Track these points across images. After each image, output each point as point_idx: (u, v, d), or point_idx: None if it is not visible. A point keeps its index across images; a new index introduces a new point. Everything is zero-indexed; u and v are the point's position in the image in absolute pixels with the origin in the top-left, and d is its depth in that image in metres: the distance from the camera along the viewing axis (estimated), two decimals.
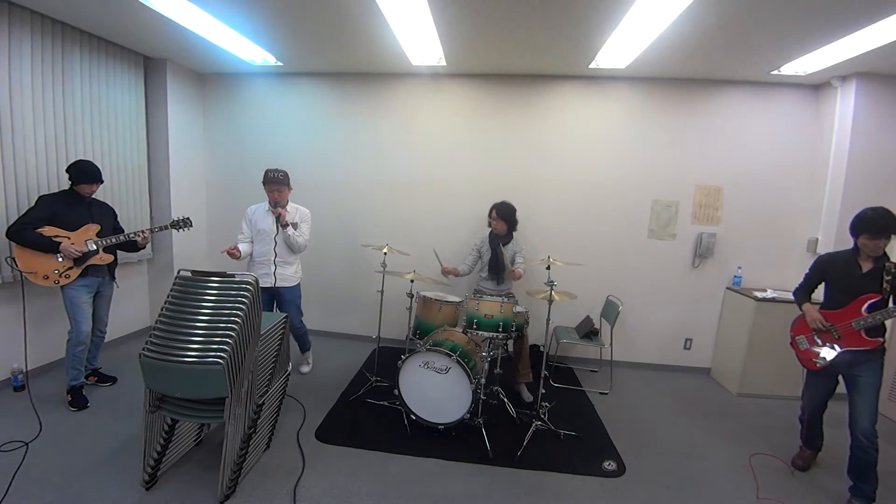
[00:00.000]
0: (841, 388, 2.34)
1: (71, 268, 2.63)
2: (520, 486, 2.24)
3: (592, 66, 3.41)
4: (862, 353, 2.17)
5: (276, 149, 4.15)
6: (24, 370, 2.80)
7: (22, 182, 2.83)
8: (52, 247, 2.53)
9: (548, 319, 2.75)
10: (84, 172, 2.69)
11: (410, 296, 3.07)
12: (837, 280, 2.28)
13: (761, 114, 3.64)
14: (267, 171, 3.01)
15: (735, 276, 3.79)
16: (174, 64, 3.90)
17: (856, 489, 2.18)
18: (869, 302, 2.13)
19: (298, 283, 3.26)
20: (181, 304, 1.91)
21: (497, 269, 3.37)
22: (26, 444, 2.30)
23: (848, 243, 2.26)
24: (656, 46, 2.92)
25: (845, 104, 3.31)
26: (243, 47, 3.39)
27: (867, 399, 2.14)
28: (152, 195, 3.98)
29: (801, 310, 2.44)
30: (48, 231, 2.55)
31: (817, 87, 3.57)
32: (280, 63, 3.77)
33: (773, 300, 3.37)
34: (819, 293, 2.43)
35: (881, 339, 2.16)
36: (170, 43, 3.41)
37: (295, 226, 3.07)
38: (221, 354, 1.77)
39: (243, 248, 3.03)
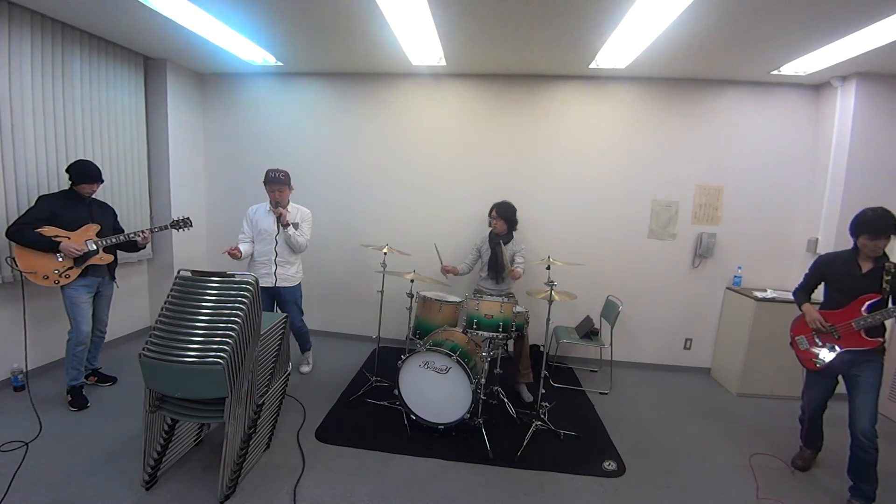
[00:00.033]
0: (841, 388, 2.34)
1: (71, 268, 2.63)
2: (520, 486, 2.24)
3: (592, 66, 3.41)
4: (862, 353, 2.17)
5: (275, 149, 4.15)
6: (24, 370, 2.80)
7: (22, 182, 2.83)
8: (52, 246, 2.53)
9: (548, 319, 2.75)
10: (84, 172, 2.69)
11: (410, 296, 3.07)
12: (837, 280, 2.28)
13: (761, 114, 3.64)
14: (268, 171, 3.02)
15: (735, 276, 3.79)
16: (174, 64, 3.90)
17: (856, 489, 2.18)
18: (869, 302, 2.13)
19: (299, 283, 3.27)
20: (181, 304, 1.91)
21: (496, 268, 3.38)
22: (26, 444, 2.30)
23: (848, 243, 2.26)
24: (656, 46, 2.92)
25: (845, 104, 3.31)
26: (243, 47, 3.39)
27: (867, 399, 2.14)
28: (152, 195, 3.98)
29: (800, 310, 2.44)
30: (48, 231, 2.55)
31: (817, 87, 3.57)
32: (280, 63, 3.77)
33: (773, 300, 3.37)
34: (819, 293, 2.44)
35: (881, 339, 2.16)
36: (170, 43, 3.41)
37: (296, 226, 3.08)
38: (221, 354, 1.77)
39: (244, 248, 3.03)
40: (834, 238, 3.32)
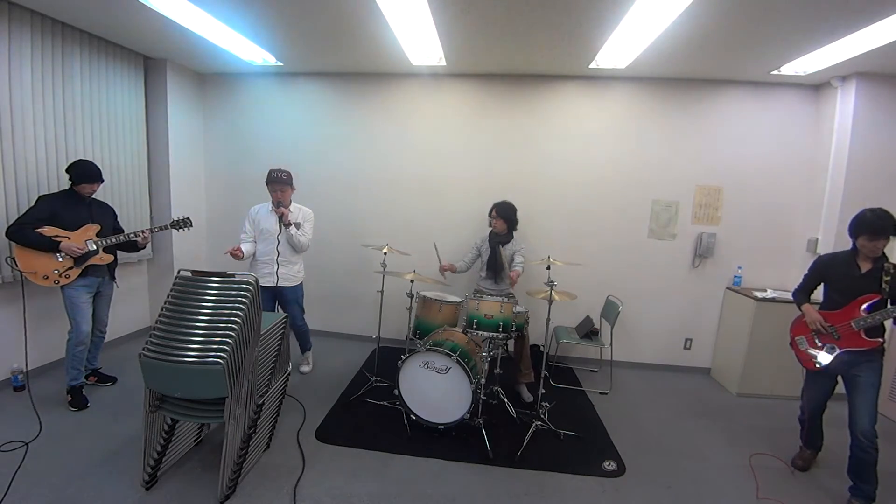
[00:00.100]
0: (840, 388, 2.34)
1: (71, 268, 2.63)
2: (520, 486, 2.24)
3: (592, 66, 3.41)
4: (861, 354, 2.17)
5: (276, 149, 4.15)
6: (24, 370, 2.80)
7: (22, 182, 2.83)
8: (52, 246, 2.53)
9: (548, 319, 2.75)
10: (85, 172, 2.69)
11: (410, 296, 3.07)
12: (836, 281, 2.29)
13: (761, 114, 3.64)
14: (270, 171, 3.03)
15: (735, 276, 3.79)
16: (174, 64, 3.90)
17: (856, 489, 2.18)
18: (868, 302, 2.13)
19: (301, 283, 3.28)
20: (181, 304, 1.91)
21: (495, 267, 3.38)
22: (26, 444, 2.30)
23: (848, 243, 2.26)
24: (656, 46, 2.92)
25: (845, 104, 3.31)
26: (243, 47, 3.39)
27: (867, 399, 2.14)
28: (152, 195, 3.98)
29: (800, 310, 2.44)
30: (48, 231, 2.55)
31: (817, 87, 3.57)
32: (280, 63, 3.77)
33: (773, 300, 3.37)
34: (818, 294, 2.44)
35: (881, 340, 2.16)
36: (170, 43, 3.41)
37: (298, 225, 3.09)
38: (221, 354, 1.77)
39: (246, 247, 3.04)
40: (834, 238, 3.32)
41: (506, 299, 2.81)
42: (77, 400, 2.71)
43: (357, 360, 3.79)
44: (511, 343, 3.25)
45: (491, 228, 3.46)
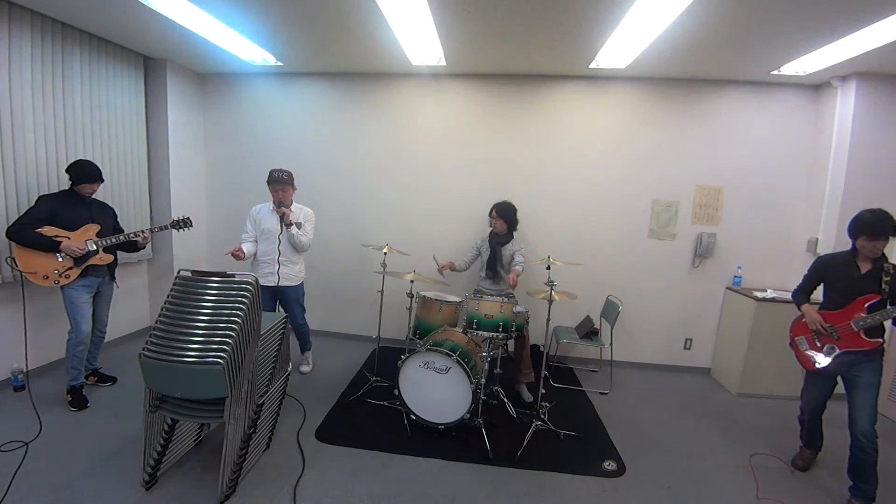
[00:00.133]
0: (840, 388, 2.34)
1: (71, 268, 2.63)
2: (520, 486, 2.24)
3: (592, 66, 3.41)
4: (861, 354, 2.17)
5: (276, 149, 4.15)
6: (24, 370, 2.80)
7: (22, 182, 2.83)
8: (52, 246, 2.53)
9: (548, 319, 2.75)
10: (85, 172, 2.69)
11: (410, 296, 3.07)
12: (836, 281, 2.29)
13: (761, 114, 3.64)
14: (272, 171, 3.04)
15: (735, 276, 3.79)
16: (174, 64, 3.90)
17: (856, 489, 2.18)
18: (868, 303, 2.13)
19: (302, 282, 3.29)
20: (181, 304, 1.91)
21: (494, 267, 3.38)
22: (26, 444, 2.30)
23: (848, 243, 2.26)
24: (656, 46, 2.92)
25: (845, 104, 3.31)
26: (243, 47, 3.39)
27: (867, 399, 2.14)
28: (152, 195, 3.98)
29: (800, 311, 2.44)
30: (48, 231, 2.55)
31: (817, 87, 3.57)
32: (280, 63, 3.77)
33: (773, 300, 3.37)
34: (818, 294, 2.44)
35: (880, 340, 2.16)
36: (170, 43, 3.41)
37: (299, 225, 3.10)
38: (221, 354, 1.77)
39: (247, 248, 3.05)
40: (834, 238, 3.32)
41: (506, 299, 2.81)
42: (77, 400, 2.72)
43: (357, 360, 3.79)
44: (511, 343, 3.25)
45: (491, 228, 3.47)
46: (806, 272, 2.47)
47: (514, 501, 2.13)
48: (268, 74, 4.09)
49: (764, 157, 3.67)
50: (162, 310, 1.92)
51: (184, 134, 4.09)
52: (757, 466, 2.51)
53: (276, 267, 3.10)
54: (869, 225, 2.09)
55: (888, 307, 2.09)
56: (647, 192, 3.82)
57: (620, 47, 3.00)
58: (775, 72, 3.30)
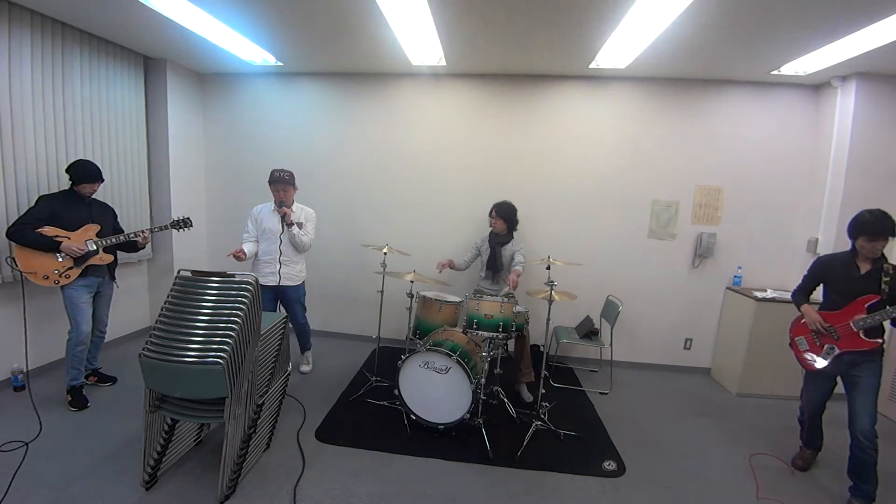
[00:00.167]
0: (840, 388, 2.34)
1: (71, 268, 2.63)
2: (520, 486, 2.24)
3: (592, 66, 3.41)
4: (861, 354, 2.17)
5: (275, 149, 4.15)
6: (25, 370, 2.80)
7: (22, 182, 2.83)
8: (52, 246, 2.53)
9: (548, 319, 2.75)
10: (85, 172, 2.69)
11: (410, 296, 3.07)
12: (836, 282, 2.29)
13: (761, 114, 3.64)
14: (273, 171, 3.05)
15: (735, 276, 3.79)
16: (174, 64, 3.90)
17: (856, 489, 2.18)
18: (868, 303, 2.13)
19: (303, 282, 3.30)
20: (181, 304, 1.91)
21: (494, 267, 3.38)
22: (26, 444, 2.30)
23: (848, 243, 2.26)
24: (656, 46, 2.92)
25: (845, 104, 3.31)
26: (243, 47, 3.39)
27: (867, 399, 2.14)
28: (152, 195, 3.98)
29: (799, 311, 2.44)
30: (48, 231, 2.55)
31: (817, 87, 3.57)
32: (280, 63, 3.77)
33: (773, 300, 3.37)
34: (818, 294, 2.44)
35: (880, 340, 2.16)
36: (170, 43, 3.41)
37: (300, 225, 3.11)
38: (221, 354, 1.77)
39: (248, 248, 3.06)
40: (834, 238, 3.32)
41: (506, 299, 2.81)
42: (77, 400, 2.72)
43: (357, 360, 3.79)
44: (511, 343, 3.25)
45: (491, 228, 3.47)
46: (805, 272, 2.47)
47: (514, 501, 2.13)
48: (268, 74, 4.09)
49: (764, 157, 3.67)
50: (162, 310, 1.92)
51: (184, 134, 4.09)
52: (757, 466, 2.51)
53: (278, 267, 3.11)
54: (868, 225, 2.10)
55: (888, 307, 2.09)
56: (647, 192, 3.82)
57: (620, 47, 3.00)
58: (775, 72, 3.30)
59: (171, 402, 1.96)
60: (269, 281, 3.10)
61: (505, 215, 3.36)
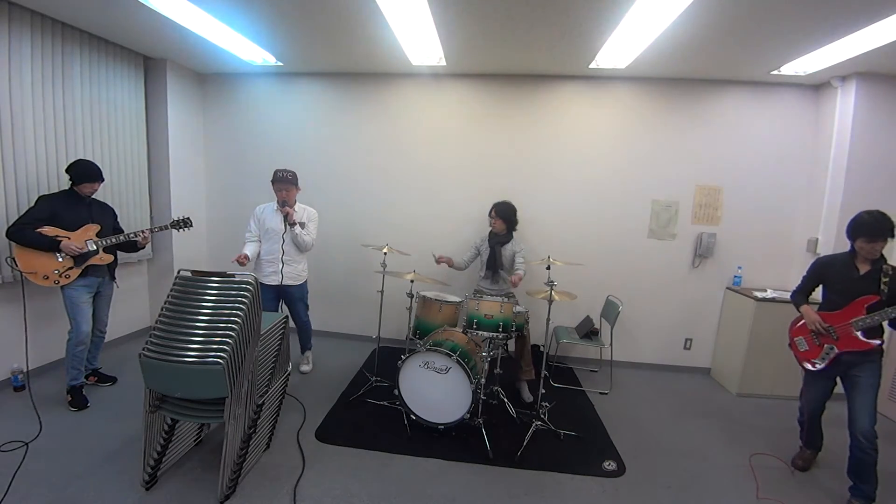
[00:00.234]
0: (840, 388, 2.34)
1: (71, 268, 2.63)
2: (520, 486, 2.24)
3: (592, 66, 3.41)
4: (860, 355, 2.18)
5: (275, 149, 4.16)
6: (25, 370, 2.80)
7: (22, 182, 2.83)
8: (52, 246, 2.53)
9: (548, 319, 2.75)
10: (86, 172, 2.69)
11: (410, 296, 3.07)
12: (835, 282, 2.29)
13: (761, 114, 3.64)
14: (276, 171, 3.06)
15: (735, 276, 3.79)
16: (174, 64, 3.90)
17: (856, 489, 2.18)
18: (867, 304, 2.14)
19: (305, 281, 3.33)
20: (181, 304, 1.91)
21: (494, 267, 3.38)
22: (26, 444, 2.30)
23: (848, 243, 2.26)
24: (656, 46, 2.92)
25: (845, 104, 3.31)
26: (243, 47, 3.39)
27: (866, 399, 2.14)
28: (152, 195, 3.98)
29: (799, 312, 2.44)
30: (48, 231, 2.55)
31: (817, 87, 3.57)
32: (280, 63, 3.77)
33: (773, 300, 3.37)
34: (817, 295, 2.44)
35: (879, 341, 2.16)
36: (170, 43, 3.41)
37: (302, 225, 3.12)
38: (221, 354, 1.77)
39: (251, 249, 3.08)
40: (834, 238, 3.32)
41: (506, 299, 2.81)
42: (77, 400, 2.71)
43: (357, 360, 3.79)
44: (511, 343, 3.25)
45: (490, 228, 3.47)
46: (805, 273, 2.47)
47: (514, 501, 2.13)
48: (268, 74, 4.09)
49: (764, 157, 3.67)
50: (162, 310, 1.92)
51: (184, 134, 4.09)
52: (757, 466, 2.51)
53: (280, 266, 3.12)
54: (867, 226, 2.10)
55: (887, 308, 2.09)
56: (647, 192, 3.82)
57: (620, 47, 3.00)
58: (775, 72, 3.30)
59: (171, 402, 1.96)
60: (272, 280, 3.11)
61: (504, 215, 3.36)
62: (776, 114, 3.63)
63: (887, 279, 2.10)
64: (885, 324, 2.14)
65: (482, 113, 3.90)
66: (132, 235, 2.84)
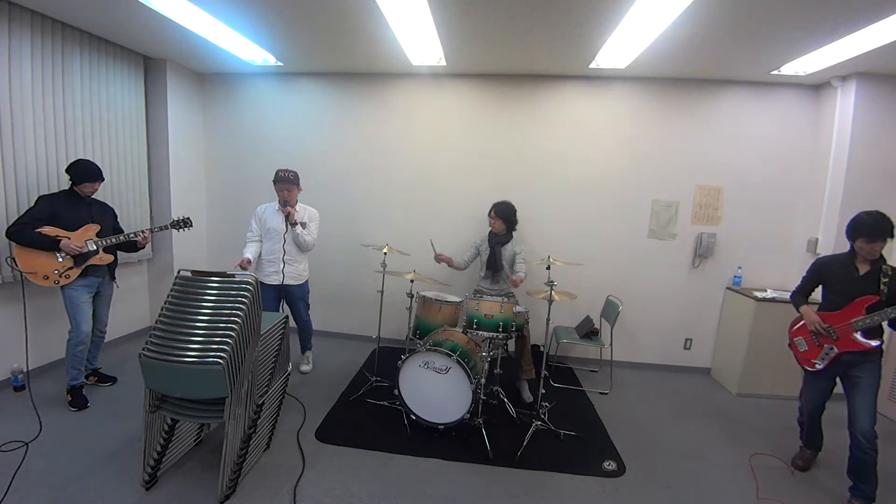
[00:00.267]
0: (840, 388, 2.34)
1: (71, 268, 2.63)
2: (520, 486, 2.24)
3: (592, 66, 3.41)
4: (860, 355, 2.18)
5: (275, 148, 4.16)
6: (25, 370, 2.80)
7: (22, 182, 2.83)
8: (52, 245, 2.53)
9: (548, 319, 2.75)
10: (86, 171, 2.69)
11: (410, 296, 3.07)
12: (835, 283, 2.29)
13: (761, 114, 3.64)
14: (278, 171, 3.07)
15: (735, 276, 3.79)
16: (174, 64, 3.90)
17: (856, 489, 2.18)
18: (867, 304, 2.14)
19: (307, 281, 3.33)
20: (181, 304, 1.92)
21: (493, 267, 3.38)
22: (26, 444, 2.30)
23: (848, 243, 2.26)
24: (656, 46, 2.92)
25: (845, 104, 3.31)
26: (243, 47, 3.39)
27: (866, 399, 2.14)
28: (152, 195, 3.98)
29: (798, 312, 2.44)
30: (48, 231, 2.55)
31: (817, 87, 3.57)
32: (280, 63, 3.77)
33: (773, 300, 3.37)
34: (817, 295, 2.44)
35: (879, 341, 2.16)
36: (170, 43, 3.41)
37: (304, 225, 3.12)
38: (221, 354, 1.77)
39: (251, 251, 3.09)
40: (834, 238, 3.32)
41: (506, 299, 2.81)
42: (77, 400, 2.72)
43: (357, 360, 3.79)
44: (511, 343, 3.25)
45: (490, 228, 3.47)
46: (805, 273, 2.47)
47: (514, 501, 2.13)
48: (268, 74, 4.09)
49: (764, 157, 3.67)
50: (162, 310, 1.92)
51: (184, 133, 4.09)
52: (757, 466, 2.51)
53: (281, 266, 3.13)
54: (867, 227, 2.10)
55: (886, 308, 2.09)
56: (647, 192, 3.82)
57: (620, 47, 3.00)
58: (775, 72, 3.30)
59: (171, 402, 1.96)
60: (273, 280, 3.11)
61: (504, 215, 3.36)
62: (776, 114, 3.63)
63: (887, 279, 2.10)
64: (885, 324, 2.14)
65: (482, 113, 3.90)
66: (132, 235, 2.84)
